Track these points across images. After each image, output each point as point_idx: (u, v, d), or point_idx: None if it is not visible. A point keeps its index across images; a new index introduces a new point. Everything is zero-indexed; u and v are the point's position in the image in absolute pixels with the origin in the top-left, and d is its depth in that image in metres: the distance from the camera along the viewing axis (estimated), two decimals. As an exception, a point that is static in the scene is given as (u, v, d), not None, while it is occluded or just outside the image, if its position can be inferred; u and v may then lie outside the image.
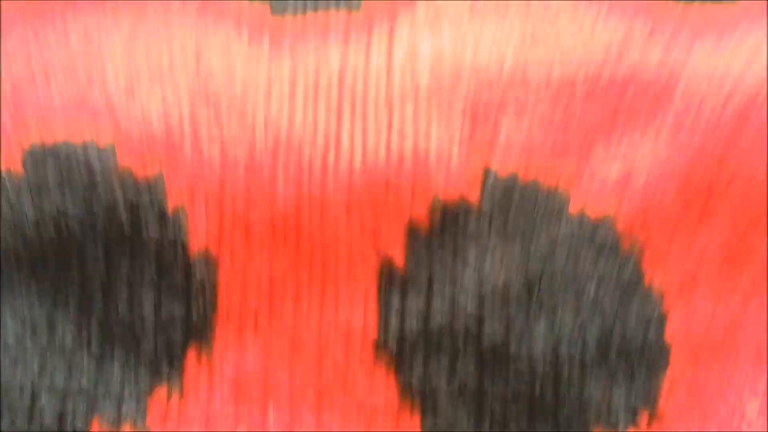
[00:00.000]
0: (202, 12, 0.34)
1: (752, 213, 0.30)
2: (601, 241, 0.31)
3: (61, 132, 0.30)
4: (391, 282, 0.30)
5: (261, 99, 0.32)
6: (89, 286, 0.31)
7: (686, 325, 0.30)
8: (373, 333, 0.30)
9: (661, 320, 0.31)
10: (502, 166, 0.30)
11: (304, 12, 0.33)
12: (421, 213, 0.30)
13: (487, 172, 0.30)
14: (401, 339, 0.30)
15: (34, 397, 0.28)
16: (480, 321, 0.30)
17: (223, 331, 0.30)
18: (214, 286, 0.31)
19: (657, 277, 0.31)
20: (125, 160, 0.30)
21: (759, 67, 0.29)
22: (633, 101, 0.29)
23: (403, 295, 0.30)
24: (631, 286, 0.31)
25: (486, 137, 0.31)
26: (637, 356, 0.31)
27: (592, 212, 0.31)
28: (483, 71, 0.30)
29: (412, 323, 0.30)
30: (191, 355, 0.30)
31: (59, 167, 0.30)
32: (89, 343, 0.30)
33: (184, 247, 0.30)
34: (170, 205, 0.29)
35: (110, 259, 0.31)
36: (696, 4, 0.33)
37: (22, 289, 0.31)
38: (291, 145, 0.31)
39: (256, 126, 0.31)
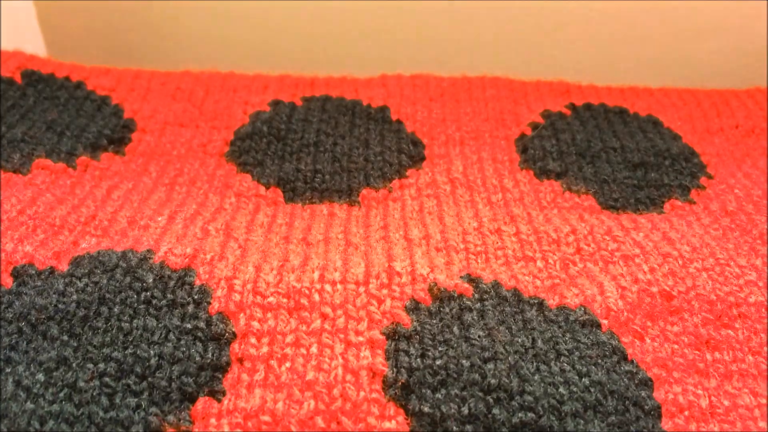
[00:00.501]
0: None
1: None
2: (580, 321, 0.35)
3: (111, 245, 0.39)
4: (397, 336, 0.33)
5: (279, 248, 0.41)
6: (111, 332, 0.33)
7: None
8: (382, 368, 0.31)
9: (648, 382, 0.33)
10: (486, 278, 0.37)
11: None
12: (421, 293, 0.36)
13: (474, 281, 0.37)
14: (411, 371, 0.31)
15: (42, 423, 0.28)
16: (485, 361, 0.32)
17: (235, 375, 0.32)
18: (229, 338, 0.33)
19: (635, 354, 0.34)
20: (160, 258, 0.37)
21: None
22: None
23: (410, 343, 0.33)
24: (618, 355, 0.34)
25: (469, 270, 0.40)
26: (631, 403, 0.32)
27: (571, 304, 0.36)
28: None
29: (418, 362, 0.32)
30: (203, 396, 0.31)
31: (102, 264, 0.36)
32: (103, 376, 0.30)
33: (207, 305, 0.34)
34: (196, 287, 0.35)
35: (136, 312, 0.33)
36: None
37: (37, 335, 0.32)
38: (305, 268, 0.38)
39: (275, 259, 0.38)
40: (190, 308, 0.34)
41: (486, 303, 0.36)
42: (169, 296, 0.34)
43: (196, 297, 0.35)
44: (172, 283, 0.35)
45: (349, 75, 0.61)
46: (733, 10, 0.71)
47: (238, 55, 0.78)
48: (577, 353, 0.33)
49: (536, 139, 0.54)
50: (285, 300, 0.35)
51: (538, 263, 0.41)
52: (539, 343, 0.33)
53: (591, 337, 0.34)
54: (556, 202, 0.48)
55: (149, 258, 0.37)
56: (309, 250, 0.41)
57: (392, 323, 0.34)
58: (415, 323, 0.34)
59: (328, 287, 0.36)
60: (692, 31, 0.73)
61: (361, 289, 0.36)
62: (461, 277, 0.38)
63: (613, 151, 0.53)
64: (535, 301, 0.37)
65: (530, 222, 0.45)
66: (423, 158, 0.53)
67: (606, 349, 0.34)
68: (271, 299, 0.35)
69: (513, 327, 0.34)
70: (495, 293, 0.37)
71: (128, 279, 0.35)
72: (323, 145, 0.52)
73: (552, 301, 0.37)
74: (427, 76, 0.62)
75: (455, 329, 0.34)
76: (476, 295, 0.36)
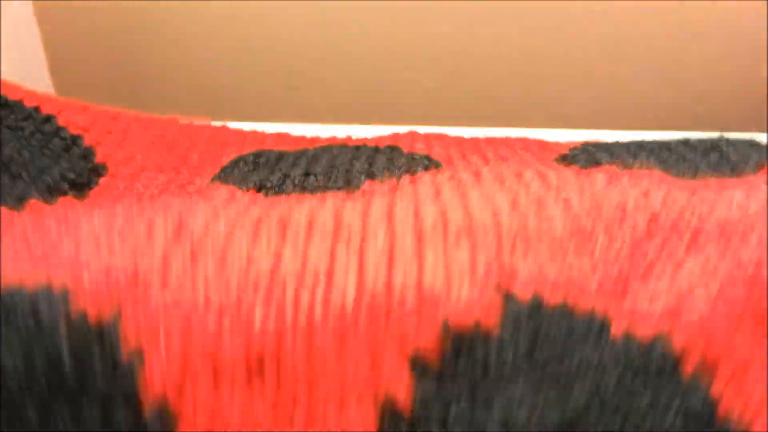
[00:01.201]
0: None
1: None
2: (656, 365, 0.25)
3: (10, 276, 0.24)
4: (395, 428, 0.23)
5: (245, 239, 0.28)
6: None
7: None
8: None
9: None
10: (523, 288, 0.26)
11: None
12: (429, 342, 0.25)
13: (505, 295, 0.25)
14: None
15: None
16: None
17: None
18: None
19: (734, 407, 0.24)
20: (79, 303, 0.24)
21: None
22: (664, 241, 0.28)
23: None
24: (701, 419, 0.24)
25: (502, 265, 0.27)
26: None
27: (641, 332, 0.26)
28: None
29: None
30: None
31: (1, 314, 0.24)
32: None
33: (138, 401, 0.23)
34: (125, 350, 0.24)
35: (48, 412, 0.23)
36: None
37: None
38: (275, 280, 0.26)
39: (236, 263, 0.28)
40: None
41: (519, 344, 0.25)
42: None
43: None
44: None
45: (355, 136, 0.56)
46: (733, 10, 0.71)
47: (239, 57, 0.77)
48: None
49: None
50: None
51: (596, 252, 0.31)
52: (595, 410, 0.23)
53: (669, 387, 0.24)
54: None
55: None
56: (284, 242, 0.31)
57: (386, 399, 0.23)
58: (417, 397, 0.24)
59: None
60: (692, 31, 0.73)
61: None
62: (487, 287, 0.27)
63: None
64: (596, 325, 0.26)
65: (581, 192, 0.35)
66: (439, 165, 0.45)
67: (689, 404, 0.23)
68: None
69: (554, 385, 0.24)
70: (533, 320, 0.25)
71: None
72: (319, 163, 0.45)
73: (617, 322, 0.26)
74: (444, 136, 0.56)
75: (471, 402, 0.24)
76: (507, 326, 0.25)
